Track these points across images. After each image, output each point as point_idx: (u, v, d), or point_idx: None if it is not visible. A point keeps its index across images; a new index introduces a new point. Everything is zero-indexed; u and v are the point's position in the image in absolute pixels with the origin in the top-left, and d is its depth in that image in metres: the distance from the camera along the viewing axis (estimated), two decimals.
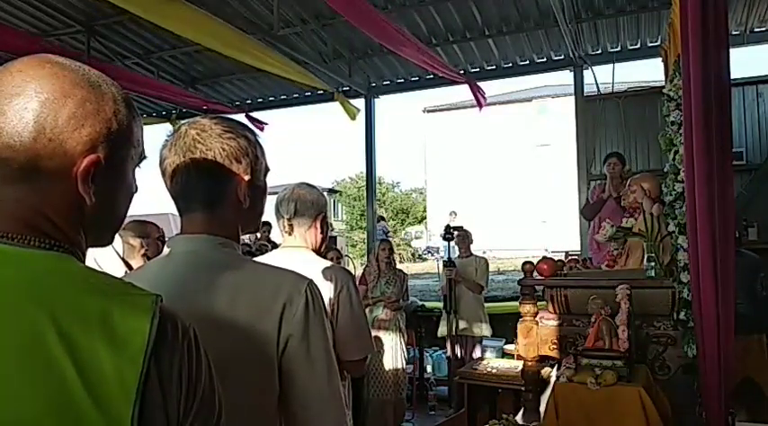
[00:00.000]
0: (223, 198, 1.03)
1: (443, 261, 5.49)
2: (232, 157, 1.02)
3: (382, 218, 15.65)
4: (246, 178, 1.03)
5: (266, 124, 7.15)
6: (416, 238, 23.46)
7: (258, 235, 6.91)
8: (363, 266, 5.28)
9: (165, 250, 1.08)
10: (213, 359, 0.70)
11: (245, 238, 6.21)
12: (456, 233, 5.45)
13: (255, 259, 1.35)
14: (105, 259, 2.40)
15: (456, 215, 15.18)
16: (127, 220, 0.82)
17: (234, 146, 1.02)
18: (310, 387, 0.98)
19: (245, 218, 1.08)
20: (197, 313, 0.88)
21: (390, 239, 13.47)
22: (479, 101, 5.80)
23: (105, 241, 0.77)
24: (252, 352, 0.95)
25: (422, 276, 14.46)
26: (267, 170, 1.11)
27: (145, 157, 0.78)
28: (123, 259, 2.68)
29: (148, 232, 2.85)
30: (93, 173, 0.67)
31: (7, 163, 0.64)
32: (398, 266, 5.34)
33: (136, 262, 2.68)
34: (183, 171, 1.01)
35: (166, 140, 1.04)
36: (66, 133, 0.65)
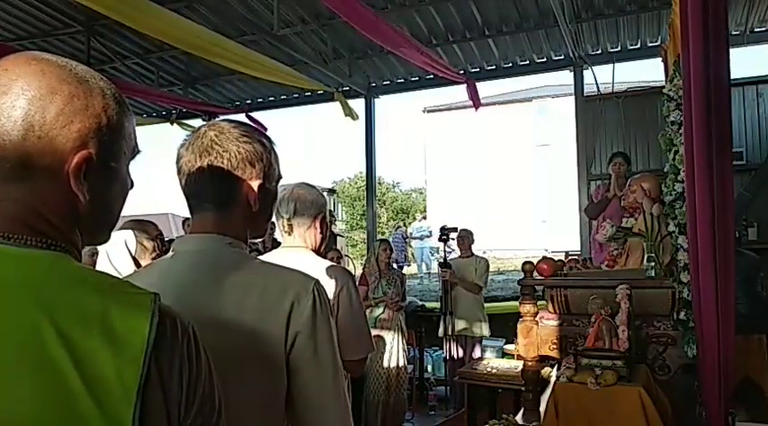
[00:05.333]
0: (234, 199, 1.04)
1: (438, 263, 5.49)
2: (246, 161, 1.04)
3: (400, 226, 16.02)
4: (258, 182, 1.05)
5: (266, 128, 7.16)
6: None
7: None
8: (362, 266, 5.28)
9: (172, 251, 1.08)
10: (221, 357, 0.70)
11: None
12: (454, 234, 5.44)
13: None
14: (117, 255, 2.42)
15: (425, 218, 15.44)
16: (123, 221, 0.81)
17: (249, 150, 1.04)
18: (316, 385, 0.99)
19: (254, 222, 1.09)
20: (204, 312, 0.88)
21: (407, 243, 13.60)
22: (474, 101, 5.80)
23: (101, 239, 0.76)
24: (260, 350, 0.96)
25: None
26: (279, 177, 1.13)
27: (138, 152, 0.76)
28: (134, 258, 2.71)
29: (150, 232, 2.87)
30: (86, 170, 0.66)
31: None
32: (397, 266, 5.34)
33: (145, 263, 2.70)
34: (197, 170, 1.02)
35: (185, 140, 1.07)
36: (55, 130, 0.64)
